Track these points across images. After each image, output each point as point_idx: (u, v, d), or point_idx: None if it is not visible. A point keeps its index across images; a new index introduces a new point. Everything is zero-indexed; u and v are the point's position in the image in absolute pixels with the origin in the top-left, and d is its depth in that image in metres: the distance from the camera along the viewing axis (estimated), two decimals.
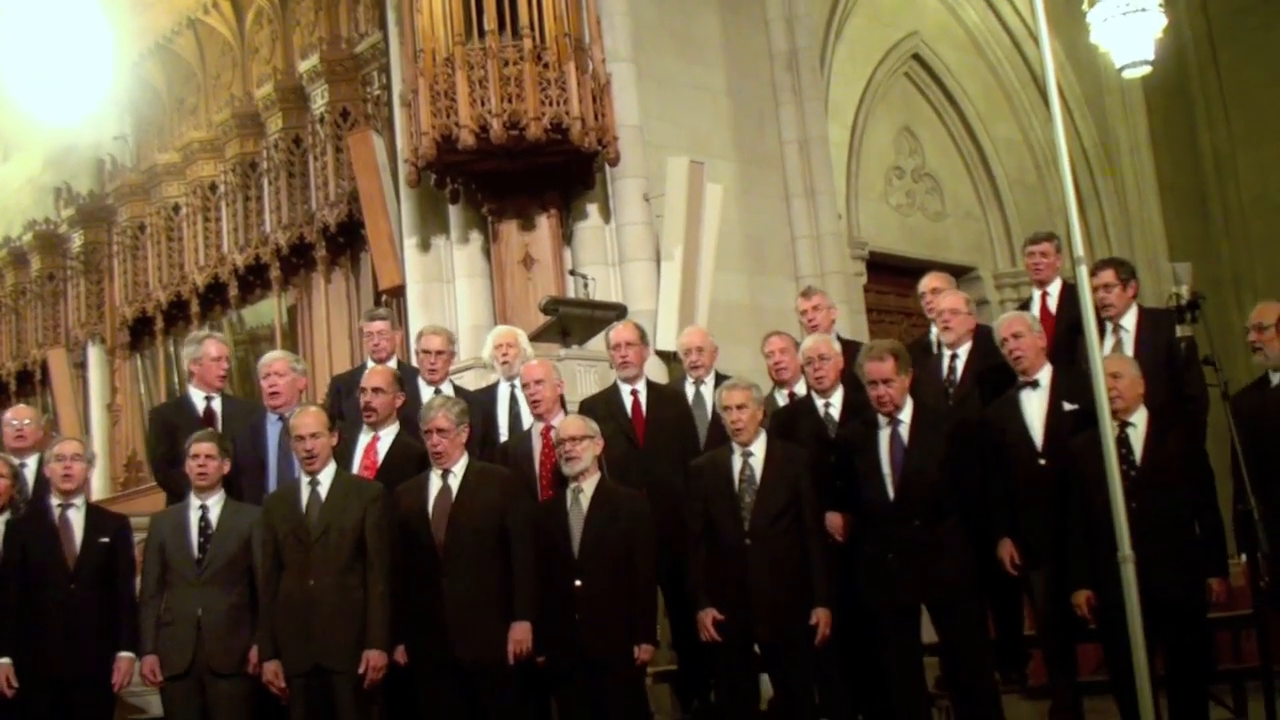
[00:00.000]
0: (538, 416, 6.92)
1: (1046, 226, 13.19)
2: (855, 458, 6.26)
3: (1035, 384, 6.45)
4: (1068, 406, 6.27)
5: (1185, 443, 6.04)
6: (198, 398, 7.36)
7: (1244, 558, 6.12)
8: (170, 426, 7.15)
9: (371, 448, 6.80)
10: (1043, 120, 15.49)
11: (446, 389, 7.43)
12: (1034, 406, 6.43)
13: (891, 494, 6.10)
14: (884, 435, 6.19)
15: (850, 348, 7.52)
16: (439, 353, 7.51)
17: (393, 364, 7.92)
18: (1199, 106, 17.67)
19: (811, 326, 7.68)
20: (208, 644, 6.20)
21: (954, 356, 7.11)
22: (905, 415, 6.20)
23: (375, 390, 6.84)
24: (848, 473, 6.31)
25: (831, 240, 12.34)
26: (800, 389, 7.31)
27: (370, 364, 7.93)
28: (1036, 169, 15.81)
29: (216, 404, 7.33)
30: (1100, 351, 4.92)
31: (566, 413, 6.99)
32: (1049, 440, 6.33)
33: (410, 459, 6.69)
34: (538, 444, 6.83)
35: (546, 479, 6.71)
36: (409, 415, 6.90)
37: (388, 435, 6.83)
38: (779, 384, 7.40)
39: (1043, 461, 6.31)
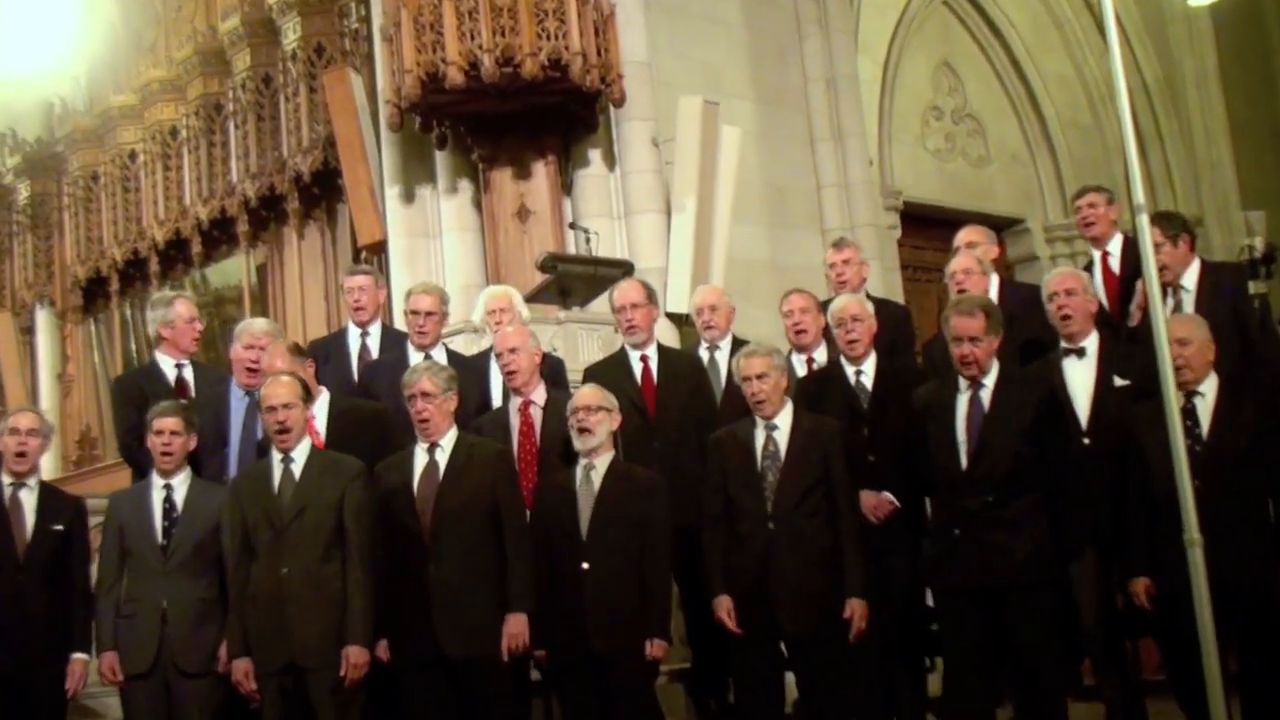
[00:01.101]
0: (514, 390, 6.88)
1: (1103, 172, 13.22)
2: (929, 423, 6.24)
3: (1081, 352, 6.44)
4: (1119, 382, 6.26)
5: (1259, 414, 6.02)
6: (167, 365, 7.37)
7: None
8: (139, 397, 7.14)
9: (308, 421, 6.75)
10: (1098, 53, 15.41)
11: (438, 354, 7.43)
12: (1079, 378, 6.44)
13: (964, 463, 6.07)
14: (963, 399, 6.16)
15: (884, 308, 7.50)
16: (429, 314, 7.51)
17: (377, 326, 7.92)
18: (1275, 35, 17.57)
19: (840, 283, 7.68)
20: (173, 640, 6.20)
21: None
22: (989, 379, 6.16)
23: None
24: (920, 440, 6.30)
25: (862, 189, 12.33)
26: (820, 355, 7.33)
27: (351, 327, 7.94)
28: (1091, 107, 15.74)
29: (188, 372, 7.34)
30: (1159, 310, 4.88)
31: (564, 384, 6.98)
32: (1095, 417, 6.34)
33: (358, 424, 6.69)
34: (515, 420, 6.81)
35: (526, 460, 6.70)
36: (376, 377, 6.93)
37: (320, 405, 6.76)
38: (798, 348, 7.40)
39: (1086, 440, 6.32)
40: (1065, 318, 6.47)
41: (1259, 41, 17.48)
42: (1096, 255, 7.48)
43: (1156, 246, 6.69)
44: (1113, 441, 6.19)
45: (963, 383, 6.18)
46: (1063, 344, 6.51)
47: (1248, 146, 16.61)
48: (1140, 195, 4.98)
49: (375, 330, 7.97)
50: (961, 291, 7.07)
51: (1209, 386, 6.04)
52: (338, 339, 8.07)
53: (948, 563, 6.09)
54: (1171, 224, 6.90)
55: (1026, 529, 5.97)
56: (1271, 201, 15.36)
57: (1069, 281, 6.53)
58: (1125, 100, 5.27)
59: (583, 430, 6.29)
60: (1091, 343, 6.45)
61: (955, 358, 6.19)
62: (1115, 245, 7.39)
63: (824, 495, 6.21)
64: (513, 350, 6.84)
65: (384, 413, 6.85)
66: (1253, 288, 5.92)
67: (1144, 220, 4.87)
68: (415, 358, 7.33)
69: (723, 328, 7.67)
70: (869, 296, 7.73)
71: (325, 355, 7.61)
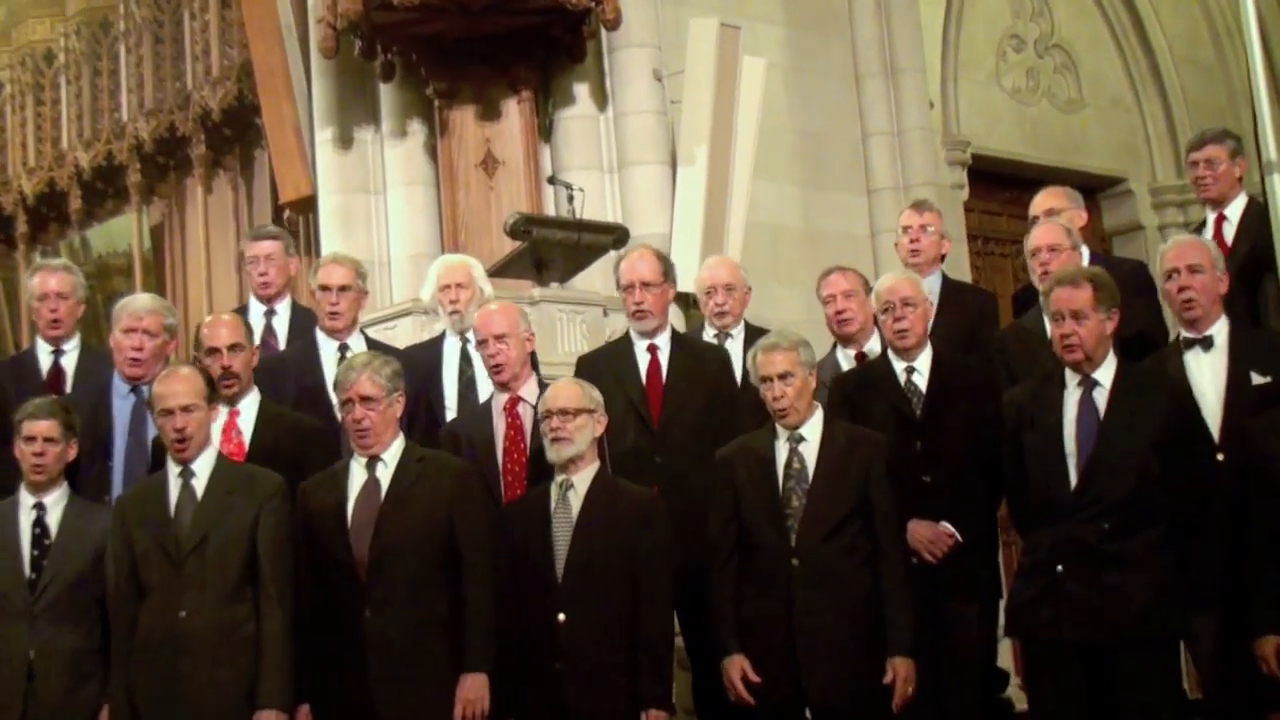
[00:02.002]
0: (500, 385, 6.90)
1: (1228, 121, 13.18)
2: (1025, 427, 6.24)
3: (1208, 343, 6.45)
4: (1257, 379, 6.27)
5: None
6: (44, 351, 7.41)
7: None
8: (2, 391, 7.17)
9: (231, 426, 6.77)
10: None
11: (355, 342, 7.46)
12: (1206, 374, 6.44)
13: (1074, 479, 6.05)
14: (1072, 398, 6.16)
15: (963, 294, 7.54)
16: (343, 289, 7.52)
17: (286, 304, 7.92)
18: None
19: (914, 253, 7.76)
20: (42, 699, 6.17)
21: None
22: (1105, 375, 6.16)
23: (232, 347, 6.80)
24: (1015, 454, 6.29)
25: (919, 139, 12.38)
26: (873, 346, 7.34)
27: (254, 304, 7.95)
28: (1213, 40, 15.77)
29: (70, 360, 7.34)
30: None
31: (540, 378, 6.98)
32: (1229, 424, 6.33)
33: (290, 435, 6.73)
34: (500, 424, 6.82)
35: (514, 472, 6.72)
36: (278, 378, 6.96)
37: (249, 407, 6.81)
38: (842, 340, 7.44)
39: (1221, 456, 6.32)
40: (1188, 302, 6.47)
41: None
42: (1210, 219, 7.53)
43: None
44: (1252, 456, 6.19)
45: (1071, 380, 6.18)
46: (1183, 333, 6.53)
47: None
48: (1272, 150, 4.99)
49: (284, 309, 8.01)
50: (1045, 274, 7.08)
51: None
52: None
53: (1046, 607, 6.06)
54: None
55: (1148, 569, 5.97)
56: None
57: (1193, 254, 6.50)
58: (1255, 29, 5.27)
59: (558, 439, 6.27)
60: (1220, 331, 6.45)
61: (1055, 341, 6.19)
62: (1235, 209, 7.43)
63: (863, 526, 6.20)
64: (500, 337, 6.85)
65: (326, 433, 6.87)
66: None
67: (1277, 181, 4.87)
68: (326, 346, 7.37)
69: (736, 313, 7.69)
70: (946, 279, 7.78)
71: None
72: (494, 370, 6.89)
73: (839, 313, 7.40)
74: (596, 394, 6.41)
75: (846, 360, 7.40)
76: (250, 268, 7.97)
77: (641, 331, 7.38)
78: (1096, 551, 5.96)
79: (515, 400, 6.82)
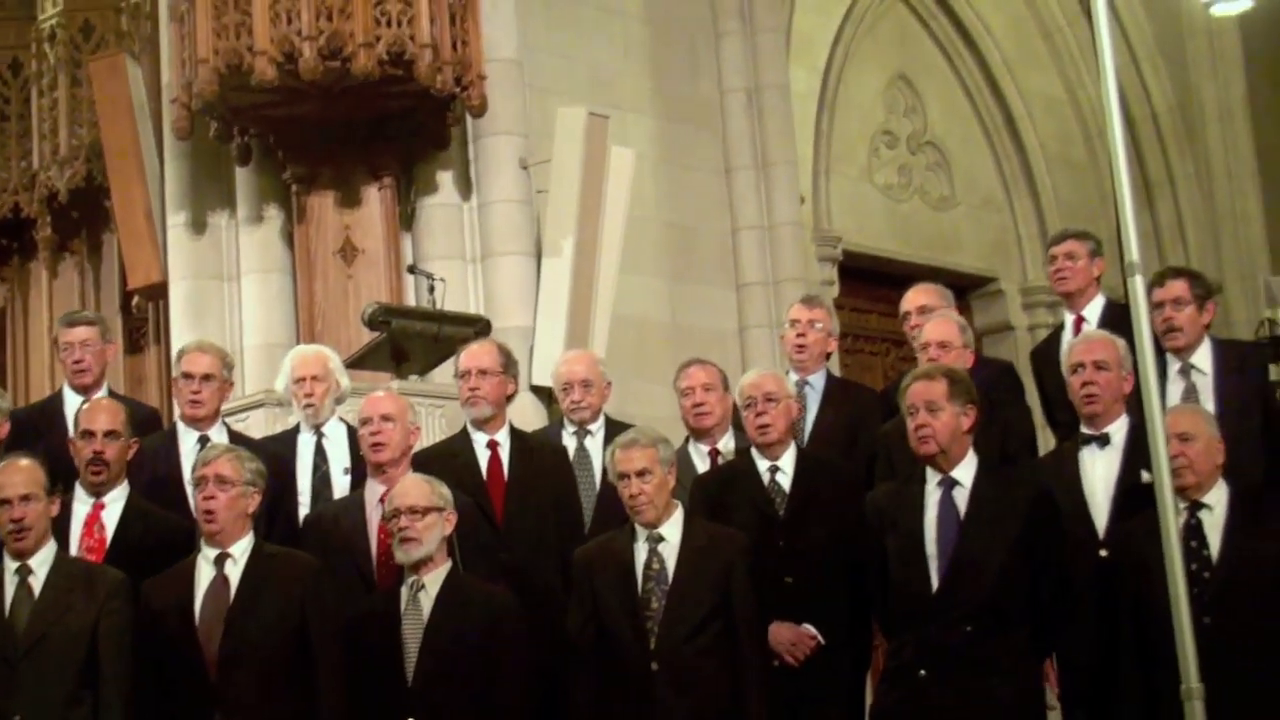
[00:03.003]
0: (376, 468, 6.90)
1: (1099, 221, 13.43)
2: (887, 529, 6.29)
3: (1104, 440, 6.56)
4: (1146, 477, 6.33)
5: None
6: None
7: None
8: None
9: (94, 520, 6.73)
10: (1096, 72, 15.66)
11: (216, 436, 7.42)
12: (1100, 472, 6.55)
13: (935, 582, 6.13)
14: (932, 499, 6.24)
15: (845, 391, 7.65)
16: (205, 378, 7.50)
17: (103, 393, 7.85)
18: None
19: (799, 350, 7.82)
20: None
21: None
22: (965, 474, 6.25)
23: (109, 434, 6.79)
24: (876, 555, 6.34)
25: (790, 234, 12.45)
26: (727, 444, 7.42)
27: (68, 393, 7.88)
28: (1085, 140, 16.06)
29: None
30: (1157, 399, 4.99)
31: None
32: (1116, 522, 6.44)
33: (157, 535, 6.67)
34: (374, 515, 6.80)
35: (388, 566, 6.67)
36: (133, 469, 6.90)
37: (116, 501, 6.78)
38: (697, 434, 7.50)
39: (1104, 553, 6.42)
40: (1090, 397, 6.57)
41: None
42: (1069, 319, 7.68)
43: (1177, 303, 6.94)
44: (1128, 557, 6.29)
45: (931, 480, 6.26)
46: (1082, 429, 6.64)
47: (1279, 196, 16.88)
48: (1135, 251, 5.07)
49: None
50: None
51: (1217, 498, 6.16)
52: (48, 408, 8.01)
53: (909, 712, 6.12)
54: (1200, 284, 7.13)
55: (1011, 673, 6.06)
56: None
57: (1100, 350, 6.61)
58: (1119, 131, 5.36)
59: (406, 539, 6.25)
60: (1119, 429, 6.57)
61: (910, 435, 6.27)
62: (1094, 310, 7.61)
63: (724, 628, 6.24)
64: (385, 417, 6.86)
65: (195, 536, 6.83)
66: (1274, 372, 6.06)
67: (1138, 284, 4.97)
68: (188, 438, 7.33)
69: (595, 407, 7.73)
70: (830, 376, 7.88)
71: (30, 428, 7.54)
72: (373, 449, 6.86)
73: (696, 405, 7.45)
74: (446, 490, 6.41)
75: (699, 456, 7.45)
76: (64, 355, 7.89)
77: (475, 420, 7.39)
78: (960, 655, 6.03)
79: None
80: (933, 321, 7.54)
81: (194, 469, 6.34)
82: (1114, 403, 6.58)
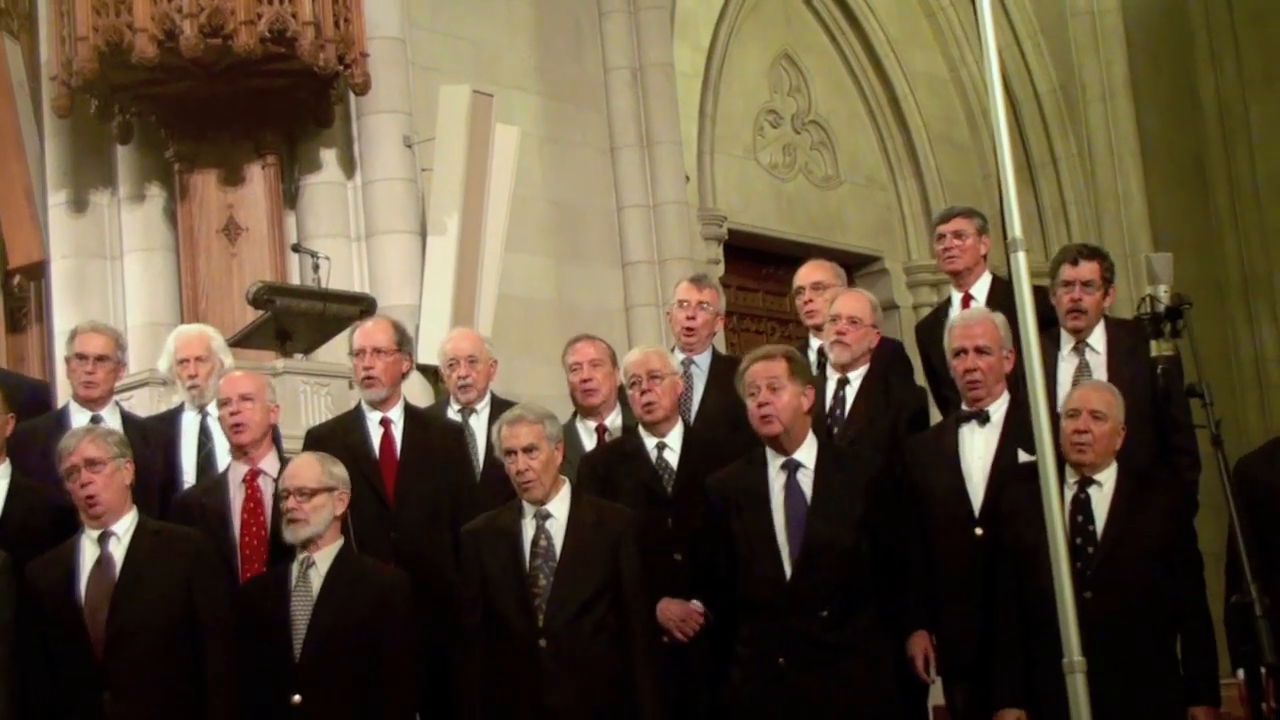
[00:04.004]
0: (239, 450, 6.88)
1: (982, 200, 13.51)
2: (732, 515, 6.32)
3: (984, 418, 6.63)
4: (1024, 457, 6.43)
5: (1166, 514, 6.26)
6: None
7: (1241, 674, 6.25)
8: None
9: None
10: (979, 52, 15.76)
11: (110, 416, 7.41)
12: (978, 449, 6.62)
13: (788, 570, 6.17)
14: (777, 483, 6.28)
15: (732, 370, 7.67)
16: (100, 359, 7.48)
17: None
18: (1200, 40, 18.07)
19: (688, 331, 7.84)
20: None
21: (843, 383, 7.28)
22: (807, 456, 6.30)
23: None
24: (725, 542, 6.36)
25: (674, 213, 12.49)
26: (614, 421, 7.46)
27: None
28: (969, 120, 16.19)
29: None
30: (1038, 377, 5.04)
31: (282, 453, 6.97)
32: (991, 499, 6.51)
33: (41, 512, 6.63)
34: (237, 496, 6.79)
35: (252, 547, 6.68)
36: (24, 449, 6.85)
37: None
38: (585, 410, 7.54)
39: (979, 531, 6.50)
40: (973, 382, 6.63)
41: (1181, 47, 17.99)
42: (957, 297, 7.74)
43: (1087, 286, 6.97)
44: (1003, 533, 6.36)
45: (773, 463, 6.31)
46: (963, 406, 6.70)
47: (1162, 176, 17.09)
48: (1017, 228, 5.13)
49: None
50: (839, 344, 7.25)
51: (1107, 475, 6.26)
52: None
53: (772, 702, 6.14)
54: (1109, 265, 7.17)
55: (867, 653, 6.15)
56: (1191, 244, 15.99)
57: (981, 335, 6.65)
58: (1002, 111, 5.42)
59: (293, 520, 6.25)
60: (999, 408, 6.64)
61: (752, 415, 6.29)
62: (981, 288, 7.66)
63: (612, 605, 6.26)
64: (244, 397, 6.82)
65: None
66: (1154, 349, 6.11)
67: (1020, 260, 5.02)
68: (80, 419, 7.28)
69: (480, 386, 7.75)
70: (716, 355, 7.89)
71: None
72: (234, 430, 6.84)
73: (584, 381, 7.48)
74: (339, 470, 6.41)
75: (587, 433, 7.48)
76: None
77: (370, 401, 7.38)
78: (818, 642, 6.11)
79: (255, 473, 6.79)
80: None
81: (57, 454, 6.28)
82: (996, 384, 6.65)
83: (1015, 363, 6.47)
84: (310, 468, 6.38)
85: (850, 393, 7.25)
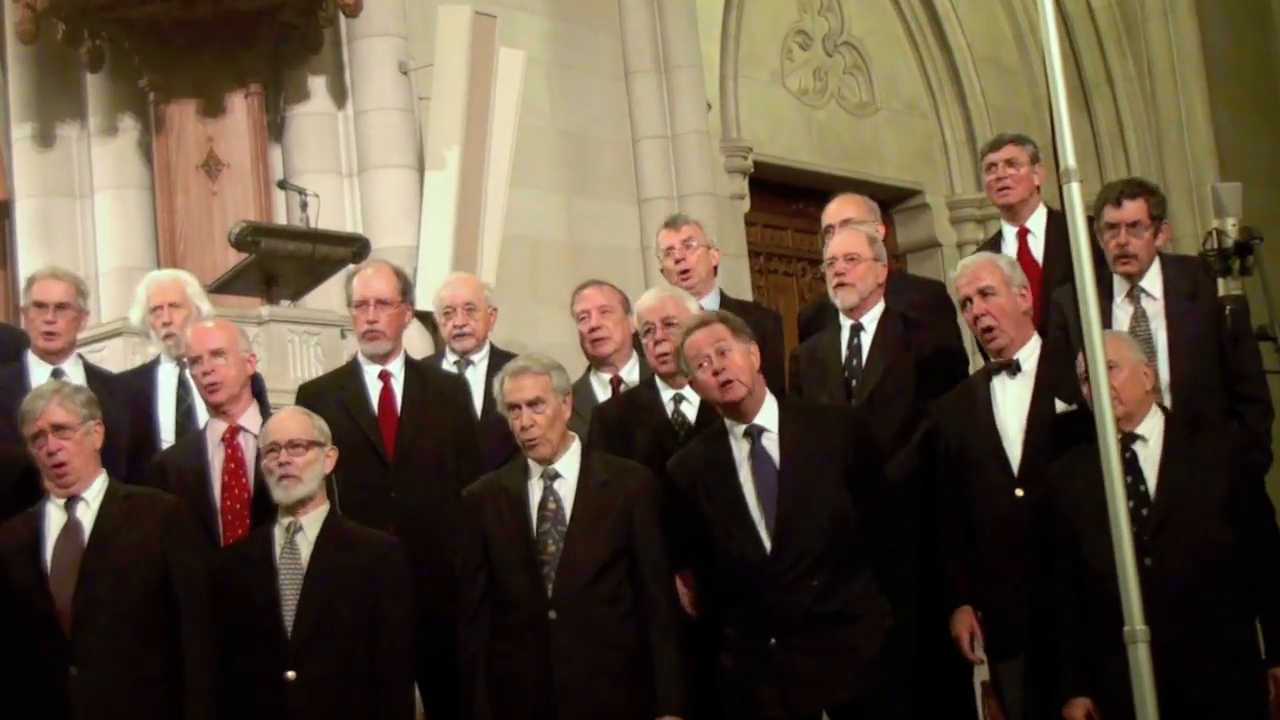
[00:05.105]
0: (216, 409, 6.85)
1: (1032, 128, 13.44)
2: (701, 496, 6.25)
3: (1014, 367, 6.57)
4: (1062, 407, 6.40)
5: (1229, 467, 6.17)
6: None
7: None
8: None
9: None
10: None
11: (72, 369, 7.39)
12: (1010, 403, 6.56)
13: (767, 543, 6.10)
14: (742, 452, 6.22)
15: (742, 313, 7.61)
16: (60, 307, 7.47)
17: None
18: None
19: (683, 275, 7.76)
20: None
21: (857, 329, 7.20)
22: (768, 418, 6.23)
23: None
24: (696, 524, 6.29)
25: (696, 143, 12.48)
26: (631, 372, 7.43)
27: None
28: (1017, 39, 16.09)
29: None
30: (1095, 322, 4.99)
31: (266, 406, 6.95)
32: (1030, 457, 6.45)
33: (2, 472, 6.60)
34: (217, 456, 6.77)
35: (234, 510, 6.67)
36: None
37: None
38: (597, 362, 7.51)
39: (1019, 492, 6.44)
40: (988, 330, 6.57)
41: None
42: (1010, 233, 7.69)
43: (1135, 227, 6.88)
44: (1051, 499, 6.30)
45: (735, 431, 6.24)
46: (990, 359, 6.64)
47: (1227, 98, 17.00)
48: (1071, 156, 5.07)
49: None
50: (842, 286, 7.18)
51: (1151, 428, 6.17)
52: None
53: (766, 686, 6.08)
54: (1158, 201, 7.02)
55: (866, 618, 6.07)
56: (1260, 172, 15.89)
57: (984, 275, 6.60)
58: (1054, 29, 5.36)
59: (286, 475, 6.21)
60: (1029, 355, 6.57)
61: (709, 387, 6.21)
62: (1038, 222, 7.62)
63: (627, 573, 6.22)
64: (216, 352, 6.79)
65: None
66: (1221, 288, 6.04)
67: (1074, 190, 4.96)
68: (40, 372, 7.26)
69: (479, 334, 7.73)
70: (725, 297, 7.82)
71: None
72: (209, 390, 6.82)
73: (593, 330, 7.45)
74: (323, 424, 6.38)
75: (601, 386, 7.45)
76: None
77: (372, 355, 7.35)
78: (810, 614, 6.03)
79: (235, 430, 6.77)
80: (838, 235, 7.48)
81: (20, 417, 6.26)
82: (1016, 327, 6.57)
83: (1070, 309, 6.40)
84: (296, 419, 6.37)
85: (866, 340, 7.19)
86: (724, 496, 6.18)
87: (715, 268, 8.02)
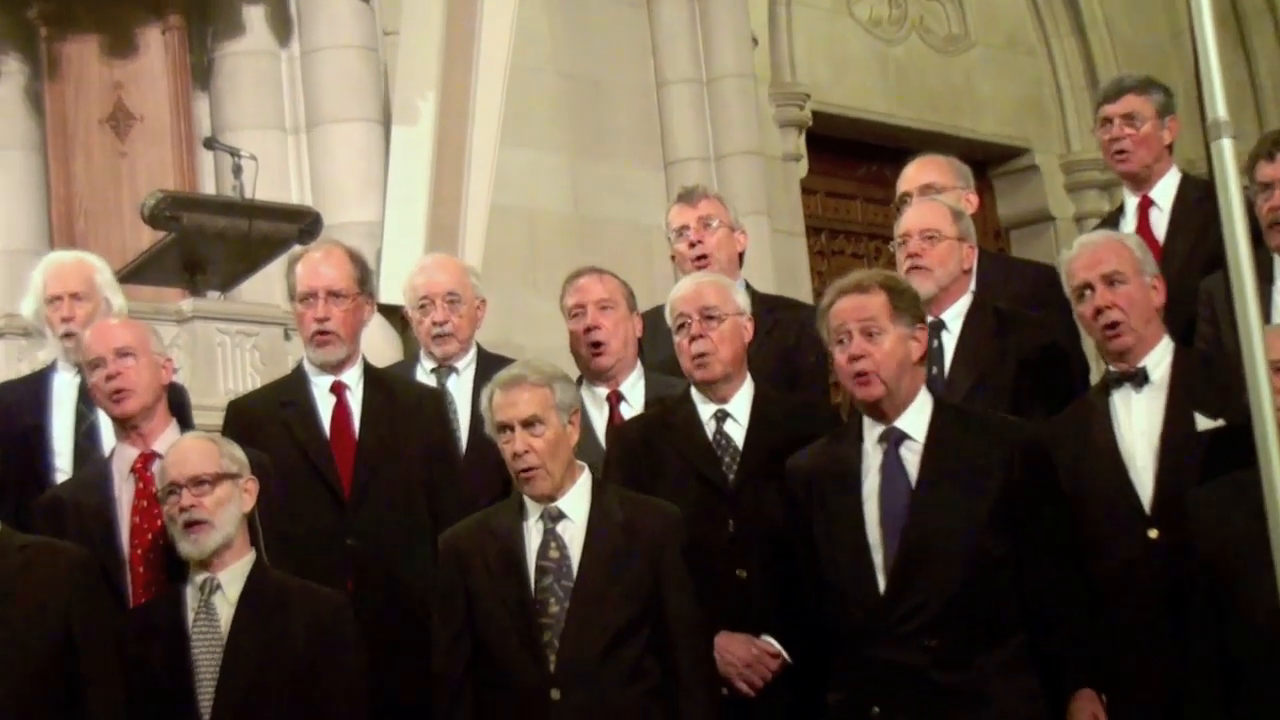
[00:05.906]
0: (124, 425, 6.87)
1: (1169, 71, 13.47)
2: (815, 509, 6.23)
3: (1141, 378, 6.54)
4: (1204, 424, 6.36)
5: None
6: None
7: None
8: None
9: None
10: None
11: None
12: (1138, 422, 6.51)
13: (882, 582, 6.06)
14: (873, 462, 6.17)
15: (776, 312, 7.60)
16: None
17: None
18: None
19: (698, 260, 7.75)
20: None
21: (937, 327, 7.15)
22: (915, 423, 6.18)
23: None
24: (803, 545, 6.28)
25: (737, 89, 12.59)
26: (634, 388, 7.48)
27: None
28: None
29: None
30: (1253, 311, 4.95)
31: (188, 425, 6.98)
32: (1165, 488, 6.39)
33: None
34: (124, 491, 6.78)
35: (146, 560, 6.67)
36: None
37: None
38: (592, 375, 7.52)
39: (1153, 533, 6.40)
40: (1111, 327, 6.51)
41: None
42: (1132, 205, 7.69)
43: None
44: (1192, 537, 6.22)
45: (870, 434, 6.20)
46: (1109, 366, 6.60)
47: None
48: (1220, 108, 5.05)
49: None
50: (916, 270, 7.14)
51: None
52: None
53: None
54: None
55: (998, 702, 6.01)
56: None
57: (1109, 258, 6.50)
58: None
59: (193, 522, 6.19)
60: (1160, 361, 6.52)
61: (842, 374, 6.17)
62: (1165, 191, 7.61)
63: (651, 641, 6.19)
64: (122, 353, 6.80)
65: None
66: None
67: (1226, 147, 4.94)
68: None
69: (464, 335, 7.72)
70: (748, 287, 7.80)
71: None
72: (114, 398, 6.81)
73: (589, 330, 7.46)
74: (237, 451, 6.38)
75: (595, 403, 7.42)
76: None
77: (323, 362, 7.35)
78: (925, 683, 5.97)
79: (148, 457, 6.75)
80: (912, 207, 7.49)
81: None
82: (1146, 326, 6.50)
83: (1220, 295, 6.34)
84: (200, 448, 6.34)
85: (949, 341, 7.17)
86: (839, 514, 6.14)
87: (741, 255, 8.01)
